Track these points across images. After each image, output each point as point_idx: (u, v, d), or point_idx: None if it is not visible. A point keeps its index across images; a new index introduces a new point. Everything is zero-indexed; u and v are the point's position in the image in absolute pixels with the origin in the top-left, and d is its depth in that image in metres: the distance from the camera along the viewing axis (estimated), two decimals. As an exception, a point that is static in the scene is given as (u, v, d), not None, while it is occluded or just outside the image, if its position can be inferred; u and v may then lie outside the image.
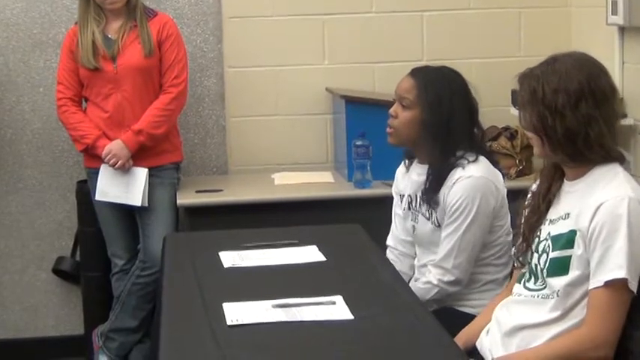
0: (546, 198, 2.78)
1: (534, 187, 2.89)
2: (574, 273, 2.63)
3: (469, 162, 3.28)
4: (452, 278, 3.29)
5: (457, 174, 3.26)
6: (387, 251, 3.55)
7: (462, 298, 3.35)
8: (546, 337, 2.67)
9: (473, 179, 3.25)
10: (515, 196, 3.33)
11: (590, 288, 2.59)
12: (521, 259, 2.84)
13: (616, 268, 2.54)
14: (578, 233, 2.63)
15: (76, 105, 4.36)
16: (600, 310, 2.57)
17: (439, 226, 3.32)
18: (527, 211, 2.84)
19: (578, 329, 2.62)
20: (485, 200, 3.25)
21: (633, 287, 2.56)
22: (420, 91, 3.32)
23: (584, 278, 2.61)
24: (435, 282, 3.30)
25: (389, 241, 3.58)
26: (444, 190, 3.28)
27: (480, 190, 3.25)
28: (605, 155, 2.65)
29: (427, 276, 3.34)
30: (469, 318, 3.14)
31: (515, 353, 2.72)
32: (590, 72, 2.65)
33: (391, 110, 3.39)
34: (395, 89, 3.42)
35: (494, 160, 3.40)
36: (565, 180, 2.75)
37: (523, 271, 2.83)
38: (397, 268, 3.28)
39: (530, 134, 2.73)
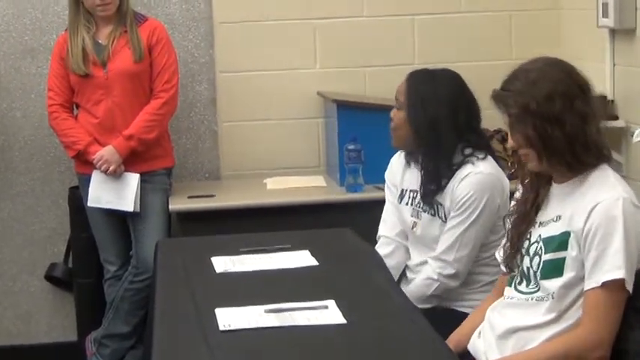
0: (535, 204, 2.78)
1: (518, 194, 2.89)
2: (569, 275, 2.64)
3: (478, 159, 3.33)
4: (452, 271, 3.31)
5: (467, 169, 3.31)
6: (378, 244, 3.55)
7: (462, 298, 3.37)
8: (542, 338, 2.67)
9: (482, 175, 3.30)
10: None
11: (585, 289, 2.60)
12: (509, 263, 2.84)
13: (614, 269, 2.55)
14: (572, 235, 2.63)
15: (67, 111, 4.35)
16: (597, 311, 2.57)
17: (446, 220, 3.34)
18: (515, 218, 2.83)
19: (575, 330, 2.63)
20: (492, 198, 3.29)
21: (630, 287, 2.57)
22: (408, 92, 3.39)
23: (579, 280, 2.62)
24: (435, 276, 3.33)
25: (381, 232, 3.58)
26: (452, 184, 3.31)
27: (488, 187, 3.29)
28: (598, 155, 2.66)
29: (426, 271, 3.36)
30: None
31: (510, 356, 2.72)
32: (568, 69, 2.67)
33: (391, 113, 3.46)
34: None
35: (499, 162, 3.45)
36: (553, 183, 2.75)
37: (513, 274, 2.83)
38: (388, 265, 3.28)
39: (524, 151, 2.70)
